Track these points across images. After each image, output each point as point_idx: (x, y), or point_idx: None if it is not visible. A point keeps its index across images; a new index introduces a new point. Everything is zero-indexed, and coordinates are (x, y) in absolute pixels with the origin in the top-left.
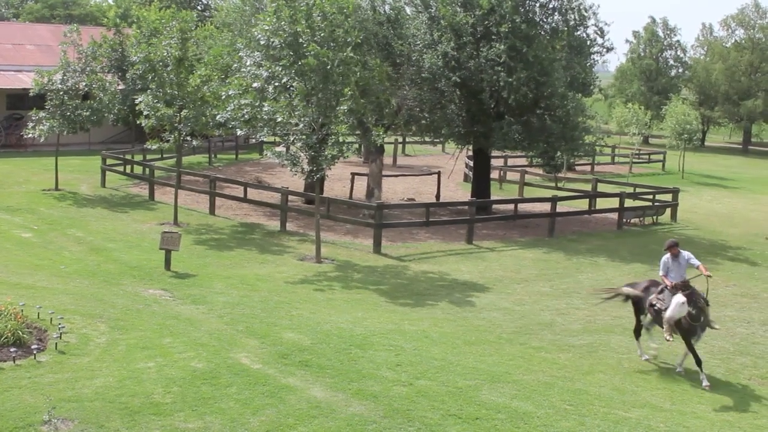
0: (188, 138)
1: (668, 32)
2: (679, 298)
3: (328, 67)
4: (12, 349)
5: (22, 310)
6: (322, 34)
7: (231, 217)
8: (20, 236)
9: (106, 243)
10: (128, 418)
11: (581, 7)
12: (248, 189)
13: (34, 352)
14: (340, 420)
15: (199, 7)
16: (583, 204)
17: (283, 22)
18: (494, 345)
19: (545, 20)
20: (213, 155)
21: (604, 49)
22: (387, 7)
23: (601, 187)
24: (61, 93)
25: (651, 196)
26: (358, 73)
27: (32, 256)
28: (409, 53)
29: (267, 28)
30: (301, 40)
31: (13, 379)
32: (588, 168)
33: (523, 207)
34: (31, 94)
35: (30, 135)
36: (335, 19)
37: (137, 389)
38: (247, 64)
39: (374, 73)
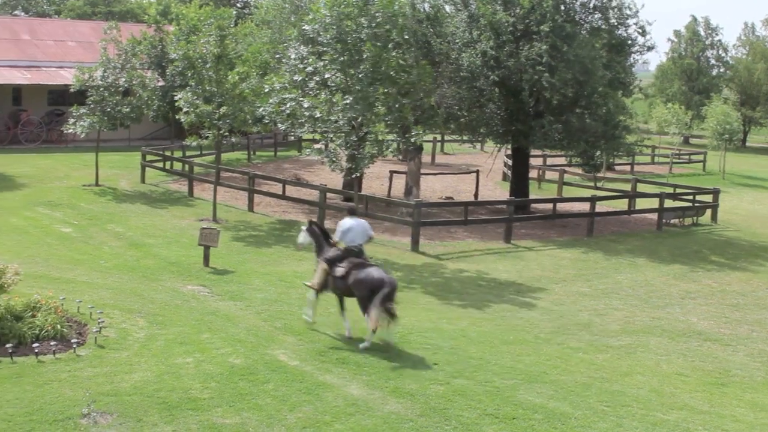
0: (227, 135)
1: (710, 31)
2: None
3: (379, 67)
4: (52, 343)
5: (62, 305)
6: (371, 32)
7: (269, 214)
8: (61, 231)
9: (146, 239)
10: (166, 412)
11: (622, 6)
12: (287, 186)
13: (74, 346)
14: (376, 418)
15: (238, 5)
16: (622, 204)
17: (332, 17)
18: (532, 345)
19: (585, 19)
20: (252, 152)
21: (645, 48)
22: (426, 5)
23: (641, 187)
24: (101, 89)
25: (691, 197)
26: (405, 76)
27: (72, 251)
28: (448, 51)
29: (318, 21)
30: (346, 37)
31: (53, 372)
32: (627, 168)
33: (561, 206)
34: (71, 90)
35: (70, 131)
36: (387, 19)
37: (175, 384)
38: (292, 57)
39: (419, 71)
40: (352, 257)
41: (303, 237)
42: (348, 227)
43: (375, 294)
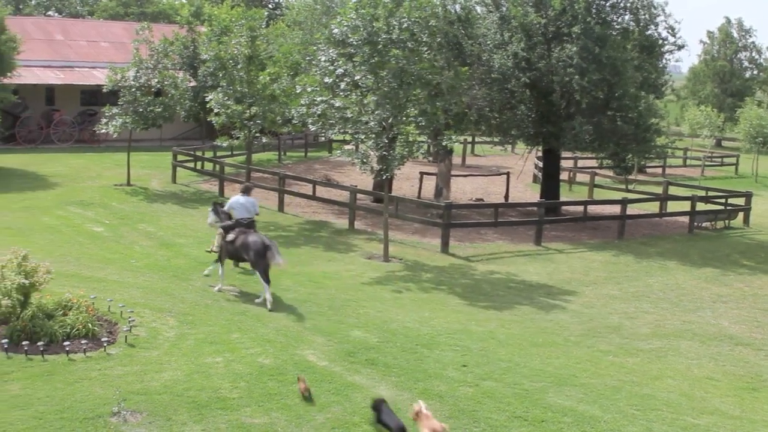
0: (258, 135)
1: (743, 33)
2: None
3: (407, 69)
4: (83, 341)
5: (93, 303)
6: (401, 35)
7: (299, 214)
8: (92, 230)
9: (176, 238)
10: (195, 411)
11: (652, 6)
12: (317, 187)
13: (105, 344)
14: (405, 419)
15: (270, 6)
16: (653, 207)
17: (361, 19)
18: (561, 347)
19: (616, 20)
20: (282, 153)
21: (676, 47)
22: (458, 7)
23: (673, 190)
24: (133, 89)
25: (723, 200)
26: (435, 79)
27: (104, 250)
28: (479, 53)
29: (346, 23)
30: (377, 39)
31: (83, 370)
32: (659, 170)
33: (592, 209)
34: (104, 90)
35: (103, 130)
36: (418, 22)
37: (205, 383)
38: (322, 59)
39: (453, 73)
40: (242, 227)
41: (210, 216)
42: (237, 203)
43: (259, 255)
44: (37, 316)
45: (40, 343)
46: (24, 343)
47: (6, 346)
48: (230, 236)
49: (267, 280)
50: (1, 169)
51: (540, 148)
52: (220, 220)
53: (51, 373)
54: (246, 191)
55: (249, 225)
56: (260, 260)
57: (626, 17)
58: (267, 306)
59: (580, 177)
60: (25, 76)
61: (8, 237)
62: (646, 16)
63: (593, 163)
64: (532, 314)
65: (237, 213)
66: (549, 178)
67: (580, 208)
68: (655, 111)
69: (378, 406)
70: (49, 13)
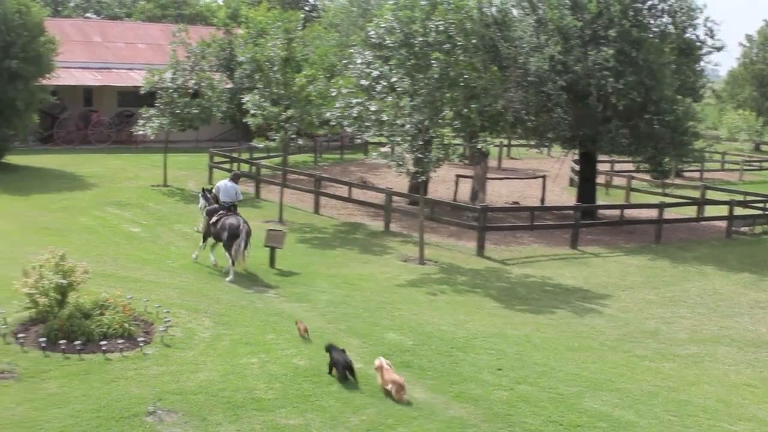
0: (294, 137)
1: None
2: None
3: (446, 72)
4: (119, 341)
5: (130, 303)
6: (437, 38)
7: (335, 216)
8: (129, 231)
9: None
10: (230, 412)
11: (690, 7)
12: (353, 189)
13: (141, 344)
14: (439, 422)
15: (306, 8)
16: (690, 211)
17: (398, 22)
18: (597, 352)
19: (653, 22)
20: (318, 155)
21: (715, 50)
22: (494, 9)
23: (710, 194)
24: (170, 91)
25: (762, 204)
26: (473, 79)
27: (140, 251)
28: (516, 56)
29: (383, 25)
30: (413, 41)
31: (120, 370)
32: (696, 174)
33: (629, 213)
34: (141, 91)
35: (140, 132)
36: (454, 24)
37: (240, 384)
38: (358, 62)
39: (487, 78)
40: (224, 211)
41: (200, 201)
42: (222, 187)
43: (231, 237)
44: (74, 316)
45: (77, 342)
46: (61, 342)
47: (44, 344)
48: (213, 219)
49: (233, 262)
50: (39, 170)
51: (576, 151)
52: (208, 204)
53: (88, 372)
54: (234, 178)
55: (230, 208)
56: (231, 242)
57: (664, 20)
58: (226, 278)
59: (617, 180)
60: (63, 77)
61: (46, 237)
62: (685, 18)
63: (630, 166)
64: (567, 318)
65: (221, 196)
66: (585, 182)
67: (617, 211)
68: (692, 114)
69: (329, 348)
70: (88, 15)
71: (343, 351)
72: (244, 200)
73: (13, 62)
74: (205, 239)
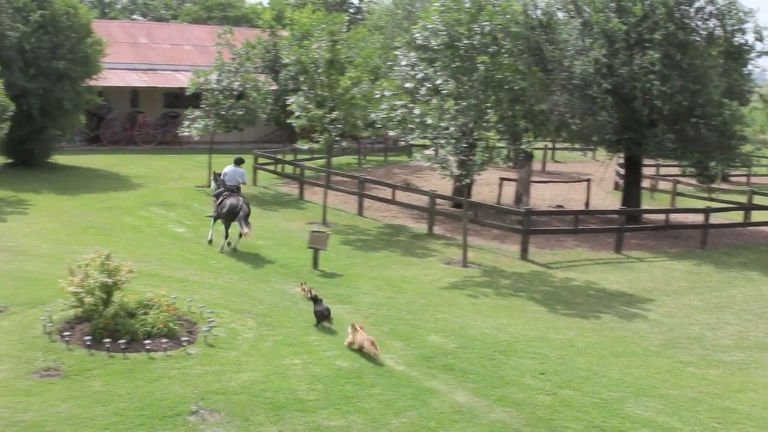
0: (338, 139)
1: None
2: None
3: (489, 75)
4: (163, 340)
5: (174, 303)
6: (483, 39)
7: (378, 218)
8: (174, 231)
9: (256, 240)
10: (273, 412)
11: (739, 11)
12: (396, 191)
13: (184, 344)
14: (481, 426)
15: (351, 10)
16: (737, 216)
17: (443, 23)
18: (641, 357)
19: (701, 25)
20: (362, 156)
21: (764, 54)
22: (539, 12)
23: (757, 200)
24: (215, 92)
25: None
26: (517, 82)
27: (185, 251)
28: (561, 59)
29: (428, 27)
30: (458, 44)
31: (163, 369)
32: (743, 179)
33: (674, 217)
34: (187, 93)
35: (185, 133)
36: (500, 27)
37: (282, 385)
38: (402, 64)
39: (530, 79)
40: (228, 192)
41: (212, 185)
42: (227, 172)
43: (228, 214)
44: (119, 315)
45: (121, 341)
46: (106, 340)
47: (89, 343)
48: (218, 200)
49: (226, 234)
50: (85, 170)
51: (621, 155)
52: (218, 188)
53: (132, 370)
54: (237, 162)
55: (234, 190)
56: (228, 218)
57: (712, 23)
58: (218, 249)
59: (662, 185)
60: (110, 78)
61: (92, 236)
62: (734, 22)
63: (676, 170)
64: (611, 323)
65: (227, 179)
66: (630, 186)
67: (662, 216)
68: (740, 118)
69: (315, 298)
70: (134, 16)
71: (321, 301)
72: (288, 201)
73: (61, 63)
74: (215, 220)
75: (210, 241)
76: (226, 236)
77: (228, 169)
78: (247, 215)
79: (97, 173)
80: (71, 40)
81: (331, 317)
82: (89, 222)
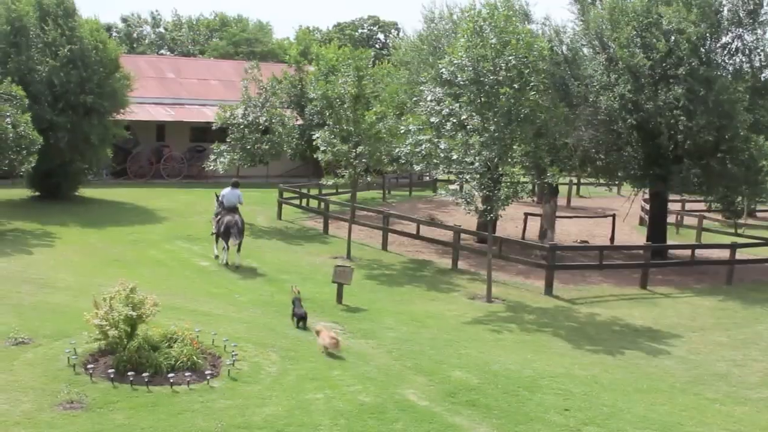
0: (363, 174)
1: None
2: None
3: (514, 109)
4: (187, 374)
5: (197, 336)
6: (508, 74)
7: (403, 253)
8: (199, 264)
9: (280, 274)
10: None
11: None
12: (421, 226)
13: (208, 377)
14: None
15: (376, 45)
16: (764, 252)
17: (469, 59)
18: (666, 394)
19: (727, 61)
20: (387, 191)
21: None
22: (564, 48)
23: None
24: (242, 127)
25: None
26: (542, 116)
27: (209, 284)
28: (586, 94)
29: (454, 62)
30: (483, 79)
31: (186, 402)
32: None
33: (700, 253)
34: (213, 127)
35: (211, 167)
36: (526, 61)
37: (305, 420)
38: (428, 99)
39: (553, 114)
40: (226, 211)
41: (215, 206)
42: (226, 194)
43: (225, 231)
44: (143, 348)
45: (145, 374)
46: (130, 373)
47: (112, 375)
48: (217, 218)
49: (226, 248)
50: (111, 203)
51: (647, 190)
52: (218, 208)
53: (155, 404)
54: (234, 185)
55: (233, 210)
56: (225, 234)
57: (738, 58)
58: (220, 261)
59: (688, 220)
60: (137, 112)
61: (117, 269)
62: (763, 57)
63: (701, 206)
64: (636, 359)
65: (225, 201)
66: (655, 221)
67: (688, 251)
68: (766, 154)
69: (294, 300)
70: (162, 51)
71: (301, 305)
72: (312, 235)
73: (89, 98)
74: (217, 238)
75: (216, 257)
76: (226, 248)
77: (226, 191)
78: (240, 231)
79: (123, 206)
80: (99, 74)
81: (306, 323)
82: (114, 255)
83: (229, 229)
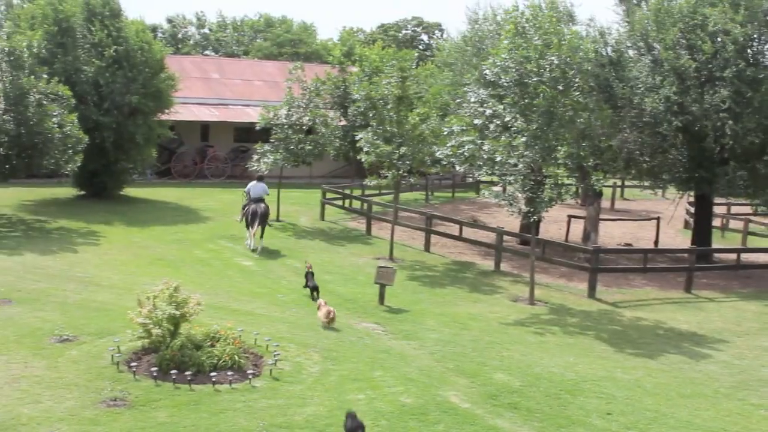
0: (406, 175)
1: None
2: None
3: (554, 109)
4: (229, 373)
5: (240, 336)
6: (551, 75)
7: (445, 254)
8: (242, 264)
9: (323, 275)
10: None
11: None
12: (463, 227)
13: (250, 377)
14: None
15: (420, 47)
16: None
17: (513, 60)
18: (710, 399)
19: None
20: (430, 193)
21: None
22: (609, 49)
23: None
24: (285, 127)
25: None
26: (584, 117)
27: (252, 284)
28: (631, 96)
29: (498, 64)
30: (527, 81)
31: (228, 401)
32: None
33: (746, 257)
34: (257, 128)
35: (254, 167)
36: (569, 62)
37: None
38: (471, 100)
39: (599, 116)
40: (253, 203)
41: (245, 198)
42: (252, 187)
43: (249, 219)
44: (185, 346)
45: (187, 373)
46: (172, 372)
47: (155, 374)
48: (245, 210)
49: (252, 235)
50: (156, 203)
51: (692, 193)
52: (246, 200)
53: (197, 402)
54: (260, 179)
55: (258, 200)
56: (250, 221)
57: None
58: (247, 246)
59: (734, 224)
60: (181, 112)
61: (161, 268)
62: None
63: (747, 209)
64: (680, 363)
65: (252, 193)
66: (700, 225)
67: (733, 255)
68: None
69: (307, 275)
70: (206, 52)
71: (313, 278)
72: (355, 236)
73: (134, 98)
74: (247, 226)
75: (248, 245)
76: (252, 235)
77: (252, 184)
78: (262, 217)
79: (167, 206)
80: (144, 75)
81: (318, 293)
82: (158, 254)
83: (252, 216)
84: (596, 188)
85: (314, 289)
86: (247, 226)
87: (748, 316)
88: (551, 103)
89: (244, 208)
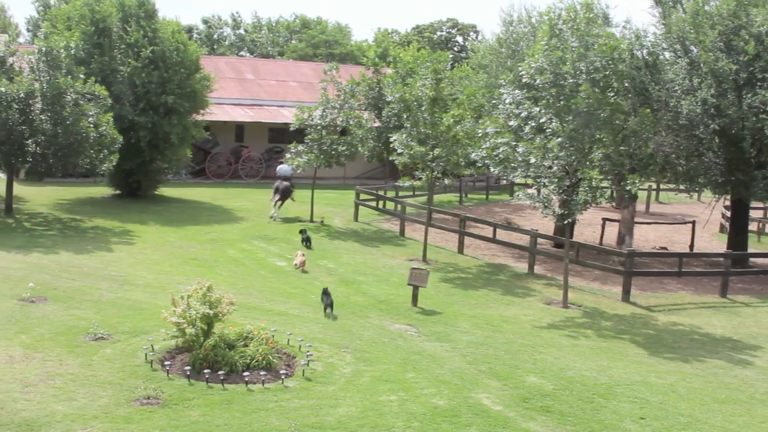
0: (440, 176)
1: None
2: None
3: (593, 110)
4: (262, 373)
5: (273, 336)
6: (589, 76)
7: (478, 256)
8: (275, 264)
9: (356, 276)
10: None
11: None
12: (497, 230)
13: (282, 377)
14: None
15: (455, 48)
16: None
17: (549, 62)
18: (745, 405)
19: None
20: (464, 194)
21: None
22: (645, 52)
23: None
24: (319, 128)
25: None
26: (621, 119)
27: (286, 285)
28: (667, 99)
29: (533, 65)
30: (563, 82)
31: (260, 401)
32: None
33: None
34: (291, 128)
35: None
36: (607, 64)
37: (378, 421)
38: (506, 102)
39: (641, 119)
40: (278, 179)
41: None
42: (279, 168)
43: (274, 192)
44: (218, 346)
45: (220, 372)
46: (205, 371)
47: (188, 373)
48: (274, 185)
49: (273, 204)
50: (190, 202)
51: (728, 197)
52: (276, 180)
53: (230, 401)
54: (284, 163)
55: (283, 179)
56: (274, 195)
57: None
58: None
59: None
60: (216, 113)
61: (195, 268)
62: None
63: None
64: (715, 369)
65: (279, 173)
66: (736, 229)
67: None
68: None
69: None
70: (241, 53)
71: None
72: (389, 237)
73: (170, 98)
74: (275, 202)
75: (272, 217)
76: (273, 205)
77: (280, 167)
78: (280, 192)
79: (201, 206)
80: (180, 75)
81: (309, 245)
82: (192, 254)
83: (275, 190)
84: (632, 191)
85: (306, 240)
86: (271, 199)
87: None
88: (591, 103)
89: (274, 185)
